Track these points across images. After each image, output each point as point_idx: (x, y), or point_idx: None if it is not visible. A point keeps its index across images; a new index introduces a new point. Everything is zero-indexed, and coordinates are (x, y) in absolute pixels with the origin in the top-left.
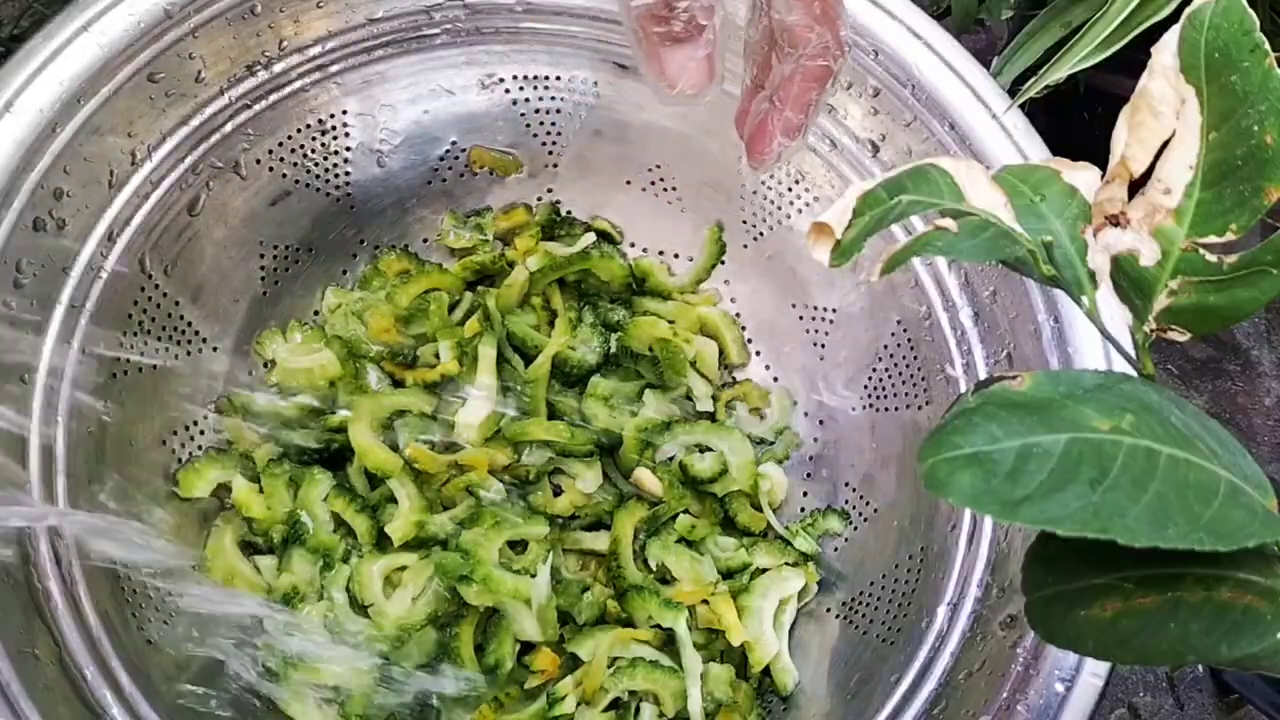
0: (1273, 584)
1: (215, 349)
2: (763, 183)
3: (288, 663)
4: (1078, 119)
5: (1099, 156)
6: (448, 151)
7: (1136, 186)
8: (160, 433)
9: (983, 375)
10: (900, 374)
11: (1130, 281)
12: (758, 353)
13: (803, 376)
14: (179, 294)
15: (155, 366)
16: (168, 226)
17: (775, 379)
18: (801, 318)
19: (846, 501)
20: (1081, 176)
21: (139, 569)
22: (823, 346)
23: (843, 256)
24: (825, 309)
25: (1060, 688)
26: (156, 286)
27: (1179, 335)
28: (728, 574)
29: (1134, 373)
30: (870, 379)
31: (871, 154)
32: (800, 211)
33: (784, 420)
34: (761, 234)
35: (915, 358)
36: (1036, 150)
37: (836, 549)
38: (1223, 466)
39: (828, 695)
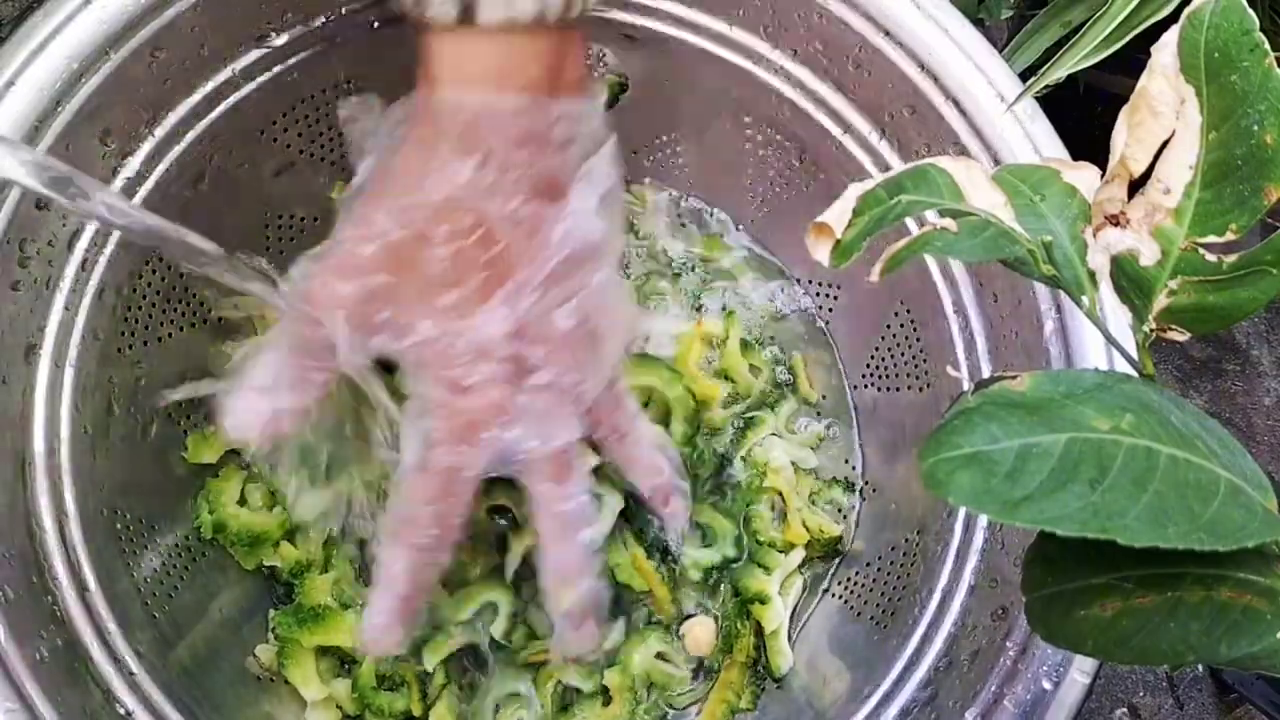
0: (1273, 584)
1: (220, 320)
2: (767, 159)
3: (300, 625)
4: (1078, 119)
5: (1099, 156)
6: None
7: (1136, 186)
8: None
9: (984, 360)
10: (902, 353)
11: (1130, 281)
12: None
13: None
14: (184, 267)
15: (160, 340)
16: (172, 201)
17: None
18: (805, 292)
19: (846, 478)
20: (1081, 176)
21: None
22: (826, 322)
23: (842, 256)
24: (829, 284)
25: (1048, 684)
26: (160, 259)
27: (1179, 335)
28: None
29: (1134, 372)
30: (873, 357)
31: (879, 134)
32: (808, 187)
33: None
34: (770, 209)
35: (918, 338)
36: (1044, 134)
37: (837, 525)
38: (1222, 466)
39: (819, 677)
